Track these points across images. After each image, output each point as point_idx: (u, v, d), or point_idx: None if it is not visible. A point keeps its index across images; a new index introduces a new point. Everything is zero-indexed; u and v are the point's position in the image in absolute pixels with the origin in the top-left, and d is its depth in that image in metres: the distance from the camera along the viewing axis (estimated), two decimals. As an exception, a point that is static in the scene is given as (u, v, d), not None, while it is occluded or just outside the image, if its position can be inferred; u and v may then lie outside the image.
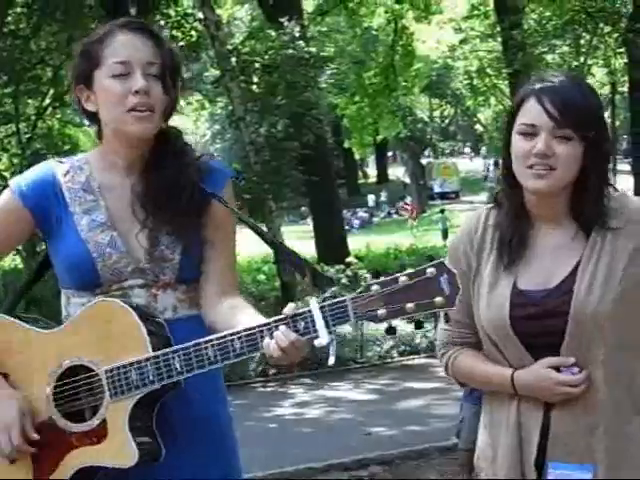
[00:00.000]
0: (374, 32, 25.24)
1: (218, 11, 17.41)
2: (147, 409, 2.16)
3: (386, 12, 24.39)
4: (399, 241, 26.20)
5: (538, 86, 2.24)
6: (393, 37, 24.06)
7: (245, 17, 18.24)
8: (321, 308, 2.07)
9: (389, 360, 13.57)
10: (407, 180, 46.69)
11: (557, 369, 2.23)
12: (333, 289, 2.22)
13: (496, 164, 51.23)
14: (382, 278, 2.06)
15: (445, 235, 28.29)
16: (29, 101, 19.74)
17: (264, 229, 14.13)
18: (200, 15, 15.07)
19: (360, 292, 2.05)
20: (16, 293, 2.68)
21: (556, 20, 19.78)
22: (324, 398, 11.54)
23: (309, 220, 27.50)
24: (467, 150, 62.71)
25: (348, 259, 14.92)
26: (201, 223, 2.34)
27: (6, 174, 20.14)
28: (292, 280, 15.38)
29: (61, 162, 2.41)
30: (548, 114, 2.19)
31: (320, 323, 2.06)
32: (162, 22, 16.19)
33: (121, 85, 2.25)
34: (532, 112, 2.22)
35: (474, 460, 2.46)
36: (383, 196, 44.98)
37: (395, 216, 42.78)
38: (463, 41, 26.15)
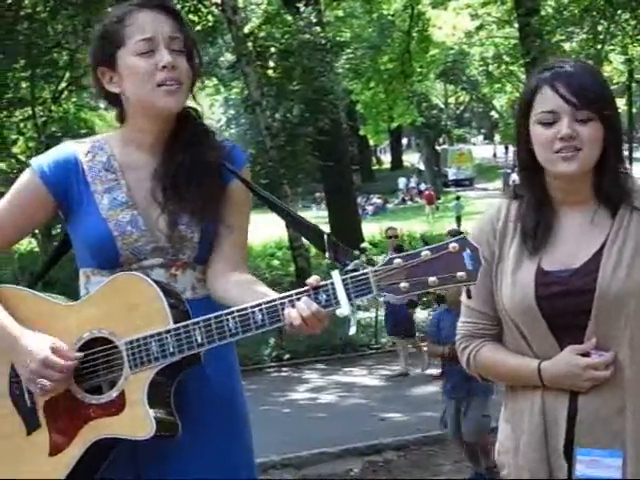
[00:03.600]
0: (390, 18, 25.14)
1: (235, -5, 17.38)
2: (166, 383, 2.16)
3: (402, -2, 24.33)
4: (414, 228, 26.16)
5: (549, 74, 2.26)
6: (409, 23, 23.96)
7: (262, 1, 18.19)
8: (343, 280, 2.07)
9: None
10: (421, 167, 46.63)
11: (583, 356, 2.21)
12: (356, 262, 2.20)
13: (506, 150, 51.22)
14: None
15: (459, 222, 28.23)
16: (45, 85, 19.78)
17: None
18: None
19: (382, 265, 2.05)
20: (34, 275, 2.67)
21: (574, 7, 19.66)
22: (338, 383, 11.57)
23: (323, 205, 27.51)
24: (480, 138, 62.65)
25: (362, 245, 14.93)
26: (221, 198, 2.34)
27: (22, 157, 20.24)
28: (306, 265, 15.40)
29: (82, 142, 2.41)
30: (565, 100, 2.22)
31: (342, 294, 2.06)
32: (179, 6, 16.18)
33: (147, 62, 2.26)
34: (549, 100, 2.24)
35: (495, 455, 2.44)
36: (401, 183, 44.91)
37: (410, 203, 42.71)
38: (480, 27, 26.08)
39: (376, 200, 40.82)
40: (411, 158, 53.04)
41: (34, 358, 2.17)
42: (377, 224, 27.09)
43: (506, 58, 28.61)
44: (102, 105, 27.26)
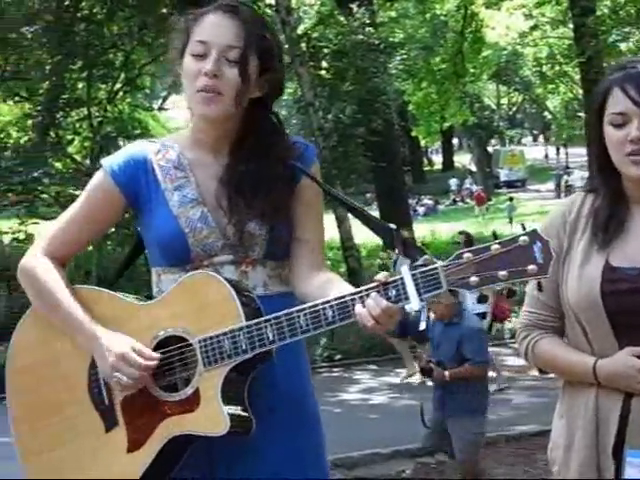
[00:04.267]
0: (443, 18, 25.03)
1: (288, -4, 17.44)
2: (239, 380, 2.19)
3: (456, -2, 24.20)
4: (465, 229, 26.01)
5: (620, 75, 2.26)
6: (462, 23, 23.82)
7: (315, 2, 18.25)
8: (412, 275, 2.07)
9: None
10: (473, 168, 46.34)
11: None
12: (425, 257, 2.20)
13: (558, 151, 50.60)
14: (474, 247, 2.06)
15: (511, 223, 28.01)
16: (101, 85, 20.01)
17: (331, 215, 14.13)
18: (271, 1, 15.12)
19: (452, 260, 2.06)
20: (114, 274, 2.72)
21: (630, 6, 19.42)
22: (390, 384, 11.55)
23: (374, 206, 27.46)
24: (530, 139, 62.05)
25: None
26: (291, 200, 2.37)
27: (77, 157, 20.51)
28: (358, 266, 15.40)
29: (153, 141, 2.45)
30: (634, 102, 2.22)
31: (412, 290, 2.07)
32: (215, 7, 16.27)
33: (196, 64, 2.29)
34: (619, 102, 2.24)
35: (548, 452, 2.45)
36: (453, 184, 44.67)
37: (460, 204, 42.49)
38: (533, 28, 25.82)
39: (427, 201, 40.68)
40: (462, 159, 52.74)
41: (114, 353, 2.21)
42: (428, 225, 27.03)
43: (560, 58, 28.32)
44: (155, 105, 27.62)
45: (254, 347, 2.15)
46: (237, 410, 2.17)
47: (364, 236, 15.35)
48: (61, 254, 2.39)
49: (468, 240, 12.09)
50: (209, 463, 2.28)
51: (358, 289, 2.14)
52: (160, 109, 27.25)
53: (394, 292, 2.09)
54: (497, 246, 2.03)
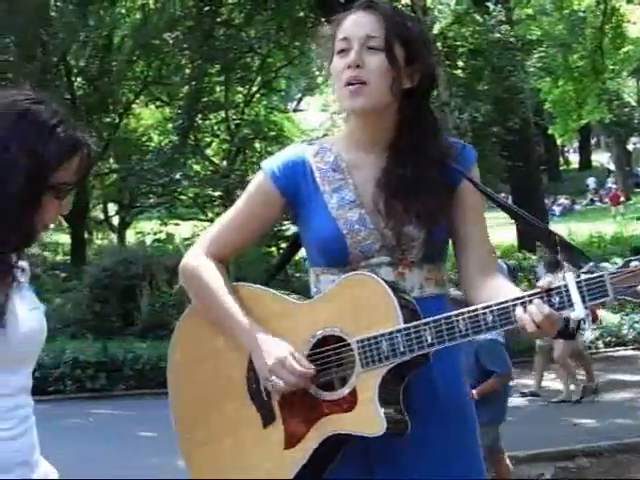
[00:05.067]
0: (582, 14, 24.43)
1: (424, -4, 17.38)
2: (396, 382, 2.20)
3: (595, -7, 23.59)
4: (602, 229, 25.34)
5: None
6: (602, 19, 23.21)
7: (451, 1, 18.13)
8: (577, 282, 2.05)
9: (594, 351, 13.21)
10: (611, 167, 45.04)
11: None
12: (590, 264, 2.15)
13: None
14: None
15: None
16: (238, 89, 20.42)
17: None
18: (407, 0, 15.09)
19: (619, 268, 2.03)
20: (268, 273, 2.77)
21: None
22: (527, 387, 11.36)
23: (509, 206, 26.96)
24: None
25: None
26: (451, 202, 2.36)
27: (215, 159, 20.98)
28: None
29: (311, 144, 2.48)
30: None
31: (576, 297, 2.04)
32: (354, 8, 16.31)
33: (341, 60, 2.32)
34: None
35: None
36: (591, 183, 43.54)
37: (598, 204, 41.38)
38: (677, 21, 24.89)
39: (563, 201, 39.78)
40: (600, 158, 51.33)
41: (273, 356, 2.25)
42: (565, 225, 26.41)
43: None
44: (290, 107, 27.94)
45: (412, 350, 2.15)
46: (393, 412, 2.18)
47: (497, 237, 15.16)
48: (222, 254, 2.45)
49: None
50: (365, 463, 2.29)
51: (520, 294, 2.12)
52: (295, 111, 27.56)
53: (557, 299, 2.07)
54: None
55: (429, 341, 2.15)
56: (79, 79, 19.70)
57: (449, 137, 2.44)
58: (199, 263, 2.42)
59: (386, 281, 2.23)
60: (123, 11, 19.06)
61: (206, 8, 15.85)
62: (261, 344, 2.29)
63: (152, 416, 10.16)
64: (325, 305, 2.29)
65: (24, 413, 2.05)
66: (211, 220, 19.25)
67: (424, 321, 2.16)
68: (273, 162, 2.44)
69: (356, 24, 2.32)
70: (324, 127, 28.61)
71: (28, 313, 2.03)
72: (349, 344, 2.23)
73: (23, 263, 2.11)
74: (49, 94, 2.09)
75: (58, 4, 18.01)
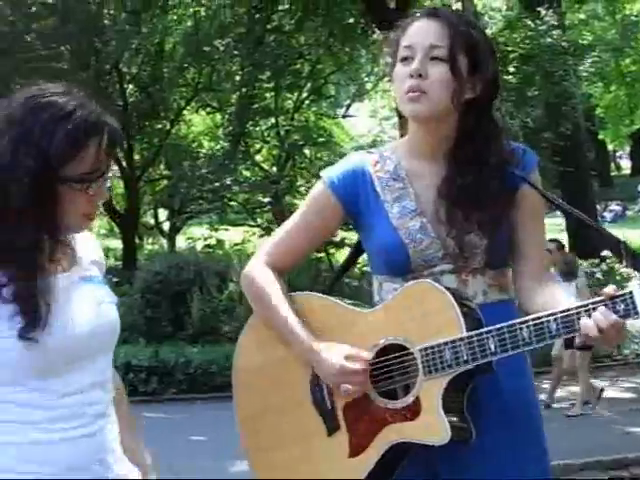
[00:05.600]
0: (634, 18, 24.18)
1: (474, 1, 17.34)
2: (459, 390, 2.20)
3: (648, -4, 23.32)
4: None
5: None
6: (655, 23, 22.98)
7: (502, 6, 18.04)
8: None
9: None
10: (664, 172, 44.38)
11: None
12: None
13: None
14: None
15: None
16: (288, 95, 20.49)
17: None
18: (458, 6, 15.05)
19: None
20: (330, 280, 2.79)
21: None
22: (575, 394, 11.26)
23: (558, 212, 26.82)
24: None
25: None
26: (511, 208, 2.35)
27: (265, 165, 21.07)
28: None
29: (371, 152, 2.48)
30: None
31: None
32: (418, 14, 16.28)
33: (403, 68, 2.32)
34: None
35: None
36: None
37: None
38: None
39: (615, 207, 39.29)
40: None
41: (332, 370, 2.27)
42: (616, 231, 26.09)
43: None
44: (339, 113, 28.00)
45: (475, 358, 2.16)
46: (457, 420, 2.18)
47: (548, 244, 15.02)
48: (281, 264, 2.46)
49: (560, 248, 11.34)
50: (430, 471, 2.30)
51: (584, 302, 2.11)
52: (344, 116, 27.59)
53: (622, 306, 2.06)
54: None
55: (492, 349, 2.14)
56: (131, 86, 19.90)
57: (510, 141, 2.42)
58: (258, 273, 2.44)
59: (449, 289, 2.23)
60: (175, 18, 19.23)
61: (257, 15, 15.95)
62: (318, 357, 2.30)
63: (203, 420, 10.29)
64: (387, 314, 2.29)
65: (97, 410, 2.04)
66: (260, 226, 19.36)
67: (487, 329, 2.16)
68: (333, 172, 2.45)
69: (420, 32, 2.33)
70: (373, 133, 28.66)
71: (93, 308, 2.03)
72: (412, 353, 2.23)
73: (95, 257, 2.15)
74: (102, 101, 2.08)
75: (111, 12, 18.24)
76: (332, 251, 16.57)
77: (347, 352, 2.27)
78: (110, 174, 2.03)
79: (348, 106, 28.73)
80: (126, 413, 2.25)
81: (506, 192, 2.34)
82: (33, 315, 1.92)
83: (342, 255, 18.06)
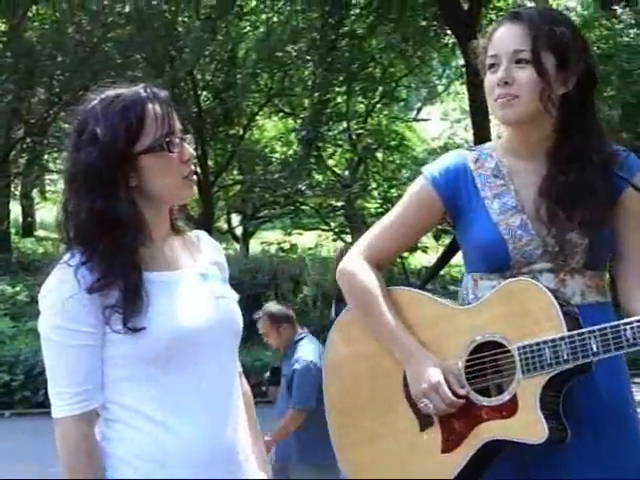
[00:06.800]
0: None
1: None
2: (556, 389, 2.18)
3: None
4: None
5: None
6: None
7: (577, 6, 17.81)
8: None
9: None
10: None
11: None
12: None
13: None
14: None
15: None
16: (360, 99, 20.53)
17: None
18: (531, 5, 14.90)
19: None
20: (424, 277, 2.78)
21: None
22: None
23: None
24: None
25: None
26: (614, 210, 2.32)
27: (337, 170, 21.13)
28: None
29: (471, 150, 2.49)
30: None
31: None
32: (493, 16, 16.19)
33: (491, 77, 2.33)
34: None
35: None
36: None
37: None
38: None
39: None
40: None
41: (427, 380, 2.27)
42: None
43: None
44: (411, 116, 27.92)
45: (576, 358, 2.13)
46: (553, 420, 2.16)
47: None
48: (379, 258, 2.47)
49: None
50: (523, 469, 2.28)
51: None
52: (415, 120, 27.51)
53: None
54: None
55: (594, 350, 2.12)
56: (205, 93, 20.14)
57: (612, 144, 2.39)
58: (356, 268, 2.44)
59: (548, 288, 2.21)
60: (248, 25, 19.41)
61: (330, 20, 16.01)
62: (416, 364, 2.31)
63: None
64: (485, 310, 2.28)
65: (224, 406, 2.08)
66: (333, 230, 19.41)
67: (590, 329, 2.13)
68: (434, 168, 2.45)
69: (503, 39, 2.33)
70: (445, 136, 28.49)
71: (210, 303, 2.09)
72: (508, 350, 2.22)
73: (217, 259, 2.24)
74: (177, 107, 2.15)
75: (185, 20, 18.48)
76: (405, 254, 16.52)
77: (445, 376, 2.27)
78: (188, 136, 2.13)
79: (419, 109, 28.66)
80: (252, 418, 2.28)
81: (609, 193, 2.32)
82: (138, 306, 1.98)
83: (415, 260, 18.01)
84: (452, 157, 2.47)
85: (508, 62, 2.30)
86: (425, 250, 15.52)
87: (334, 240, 19.58)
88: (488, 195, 2.39)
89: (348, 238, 18.98)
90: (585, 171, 2.30)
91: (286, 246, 19.75)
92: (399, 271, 16.17)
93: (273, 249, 19.55)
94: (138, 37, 16.46)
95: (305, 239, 20.59)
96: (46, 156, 19.46)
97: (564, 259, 2.30)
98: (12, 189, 21.45)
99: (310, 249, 19.56)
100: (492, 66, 2.34)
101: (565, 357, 2.14)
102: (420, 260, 17.49)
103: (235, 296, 2.21)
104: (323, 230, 20.03)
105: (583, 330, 2.14)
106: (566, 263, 2.30)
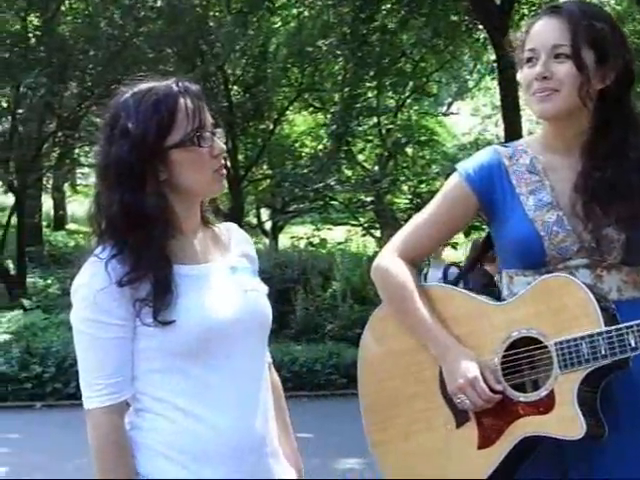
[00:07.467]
0: None
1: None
2: (593, 385, 2.17)
3: None
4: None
5: None
6: None
7: (611, 0, 17.67)
8: None
9: None
10: None
11: None
12: None
13: None
14: None
15: None
16: (390, 94, 20.48)
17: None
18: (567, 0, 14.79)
19: None
20: (458, 274, 2.78)
21: None
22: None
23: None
24: None
25: None
26: None
27: (366, 165, 21.10)
28: None
29: (506, 146, 2.48)
30: None
31: None
32: (525, 11, 16.10)
33: (529, 71, 2.33)
34: None
35: None
36: None
37: None
38: None
39: None
40: None
41: (463, 375, 2.27)
42: None
43: None
44: (441, 111, 27.82)
45: (614, 353, 2.12)
46: (590, 415, 2.15)
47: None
48: (413, 255, 2.47)
49: None
50: (560, 464, 2.27)
51: None
52: (445, 115, 27.41)
53: None
54: None
55: (632, 345, 2.11)
56: (235, 87, 20.17)
57: None
58: (391, 265, 2.44)
59: (585, 284, 2.21)
60: (279, 19, 19.42)
61: (361, 15, 15.99)
62: (452, 359, 2.31)
63: (308, 417, 10.31)
64: (521, 306, 2.28)
65: (254, 398, 2.09)
66: (363, 225, 19.39)
67: (628, 324, 2.12)
68: (468, 164, 2.45)
69: (542, 33, 2.33)
70: (475, 131, 28.38)
71: (239, 295, 2.11)
72: (545, 346, 2.22)
73: (247, 251, 2.25)
74: (208, 102, 2.15)
75: (216, 14, 18.52)
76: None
77: (482, 372, 2.27)
78: (218, 129, 2.13)
79: (450, 104, 28.55)
80: (282, 408, 2.29)
81: None
82: (168, 299, 1.99)
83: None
84: (486, 154, 2.47)
85: (547, 56, 2.29)
86: (455, 246, 15.47)
87: (363, 235, 19.57)
88: (523, 191, 2.38)
89: (377, 233, 18.97)
90: (622, 167, 2.29)
91: (315, 241, 19.76)
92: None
93: (302, 244, 19.56)
94: (170, 31, 16.50)
95: (334, 234, 20.59)
96: (77, 150, 19.58)
97: (601, 255, 2.29)
98: (44, 182, 21.59)
99: (339, 244, 19.54)
100: (530, 60, 2.33)
101: (603, 352, 2.13)
102: (451, 256, 17.44)
103: (265, 289, 2.21)
104: (352, 225, 20.02)
105: (621, 325, 2.13)
106: (603, 259, 2.29)
